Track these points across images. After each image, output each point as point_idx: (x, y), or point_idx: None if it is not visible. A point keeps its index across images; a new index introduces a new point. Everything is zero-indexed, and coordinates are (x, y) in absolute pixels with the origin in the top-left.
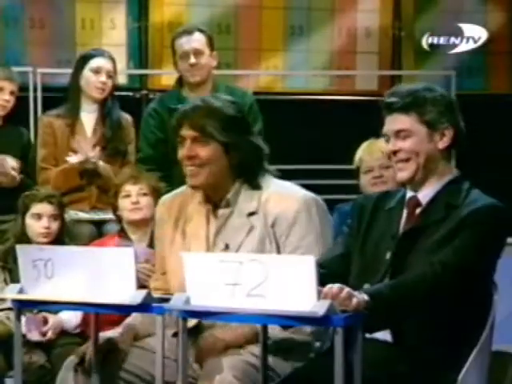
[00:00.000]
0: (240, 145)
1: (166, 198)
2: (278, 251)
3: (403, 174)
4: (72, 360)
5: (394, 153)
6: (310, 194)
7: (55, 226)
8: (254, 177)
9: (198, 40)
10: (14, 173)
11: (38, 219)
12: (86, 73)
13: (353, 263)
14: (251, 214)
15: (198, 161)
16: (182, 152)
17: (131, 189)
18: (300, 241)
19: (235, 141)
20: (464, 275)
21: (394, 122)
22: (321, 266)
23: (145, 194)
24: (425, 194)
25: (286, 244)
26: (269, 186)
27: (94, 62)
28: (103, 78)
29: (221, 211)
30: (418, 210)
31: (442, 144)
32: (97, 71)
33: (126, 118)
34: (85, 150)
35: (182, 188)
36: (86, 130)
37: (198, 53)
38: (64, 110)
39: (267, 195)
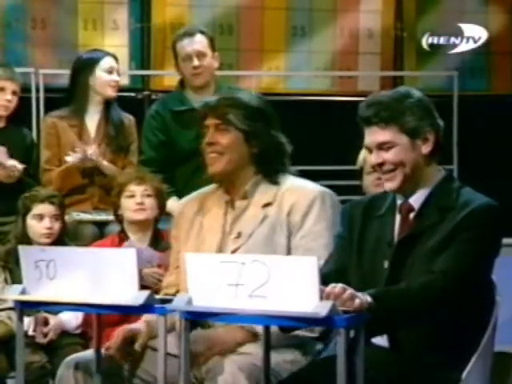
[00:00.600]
0: (261, 135)
1: (186, 198)
2: (288, 240)
3: (391, 185)
4: (72, 358)
5: (380, 165)
6: (326, 189)
7: (57, 226)
8: (274, 171)
9: (200, 42)
10: (11, 164)
11: (40, 220)
12: (99, 73)
13: (350, 275)
14: (266, 204)
15: (219, 147)
16: (204, 140)
17: (136, 189)
18: (312, 227)
19: (256, 130)
20: (466, 281)
21: (374, 134)
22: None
23: (149, 195)
24: (416, 198)
25: (299, 232)
26: (286, 183)
27: (106, 63)
28: (115, 76)
29: (238, 202)
30: (411, 215)
31: (426, 148)
32: (110, 71)
33: (129, 117)
34: (83, 148)
35: (204, 189)
36: (90, 130)
37: (200, 55)
38: (69, 111)
39: (284, 189)
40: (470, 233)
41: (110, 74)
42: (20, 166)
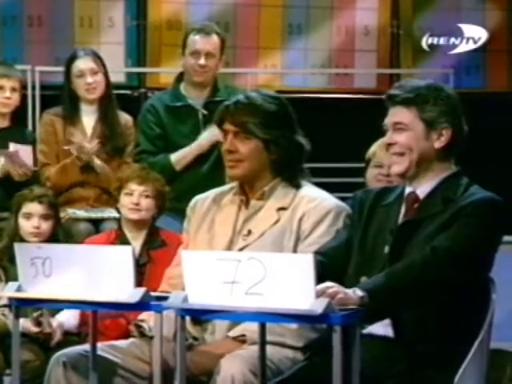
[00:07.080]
0: (280, 141)
1: (201, 194)
2: (295, 245)
3: (396, 168)
4: (60, 355)
5: (390, 145)
6: (342, 204)
7: (46, 226)
8: (294, 175)
9: (213, 43)
10: (28, 163)
11: (29, 219)
12: (73, 79)
13: (352, 256)
14: (281, 209)
15: (238, 155)
16: (223, 145)
17: (135, 188)
18: (319, 238)
19: (276, 137)
20: (454, 259)
21: (395, 114)
22: (322, 255)
23: (147, 196)
24: (423, 189)
25: (306, 238)
26: (304, 190)
27: (75, 68)
28: (89, 78)
29: (253, 202)
30: (416, 205)
31: (439, 143)
32: (80, 75)
33: (127, 118)
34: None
35: (220, 188)
36: (87, 129)
37: (209, 55)
38: (64, 109)
39: (301, 196)
40: (468, 219)
41: (82, 78)
42: (32, 166)
